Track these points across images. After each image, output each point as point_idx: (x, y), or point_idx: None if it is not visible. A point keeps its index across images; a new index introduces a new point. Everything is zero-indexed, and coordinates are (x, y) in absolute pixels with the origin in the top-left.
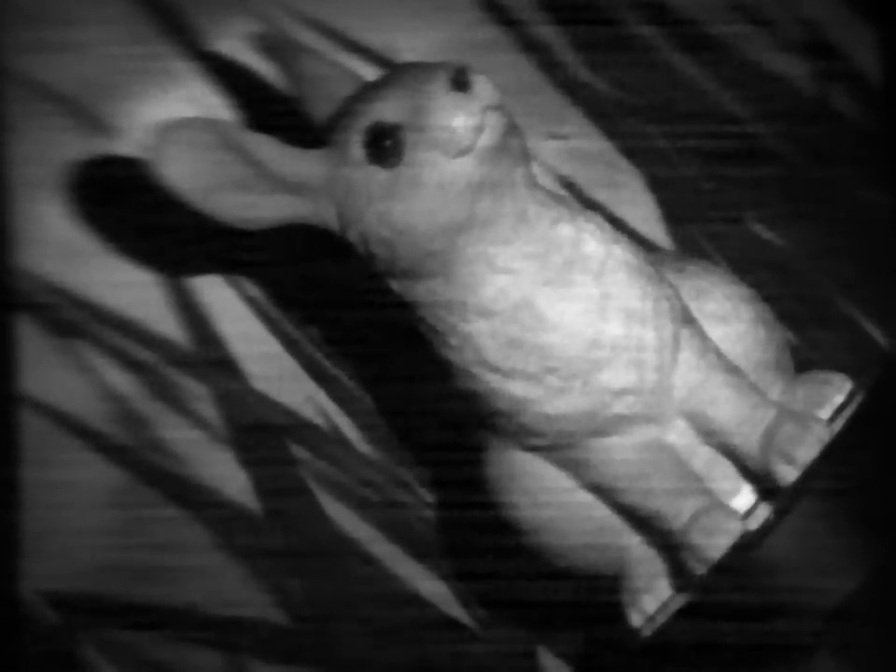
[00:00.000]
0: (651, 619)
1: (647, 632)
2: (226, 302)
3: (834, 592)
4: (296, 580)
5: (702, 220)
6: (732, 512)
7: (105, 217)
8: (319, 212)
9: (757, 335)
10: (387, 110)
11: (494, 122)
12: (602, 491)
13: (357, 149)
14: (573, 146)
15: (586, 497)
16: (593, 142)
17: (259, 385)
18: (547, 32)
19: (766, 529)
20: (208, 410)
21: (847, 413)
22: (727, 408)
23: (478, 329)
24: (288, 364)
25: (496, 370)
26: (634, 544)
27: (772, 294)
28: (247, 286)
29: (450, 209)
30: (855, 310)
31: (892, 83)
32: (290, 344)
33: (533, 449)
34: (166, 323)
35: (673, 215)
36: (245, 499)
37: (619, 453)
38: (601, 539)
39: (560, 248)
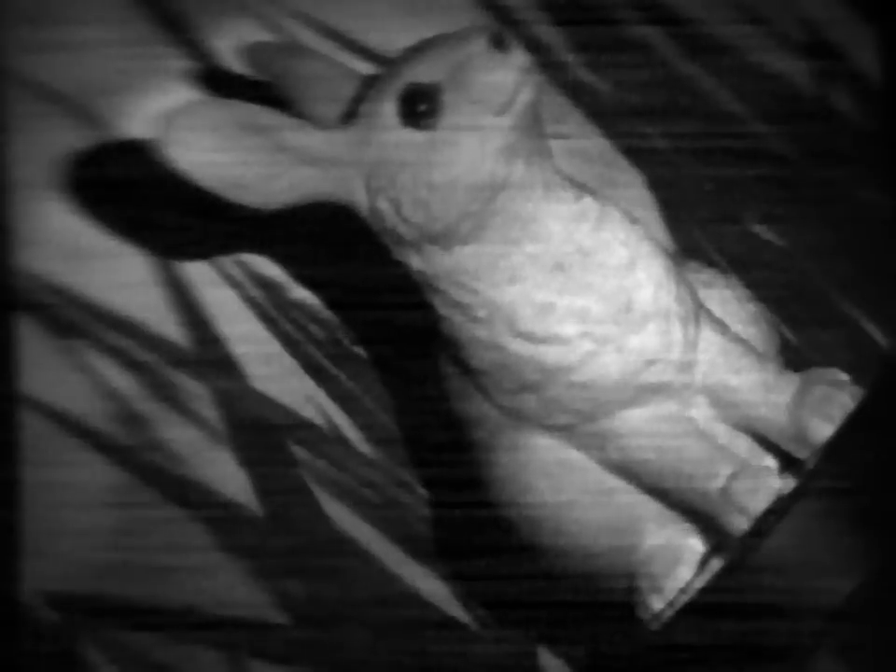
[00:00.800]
0: (670, 604)
1: (665, 617)
2: (226, 302)
3: (834, 592)
4: (296, 580)
5: (702, 220)
6: (769, 469)
7: (105, 216)
8: (342, 186)
9: (753, 336)
10: (424, 72)
11: (530, 82)
12: (627, 470)
13: (390, 114)
14: (573, 146)
15: (608, 483)
16: (593, 142)
17: (259, 384)
18: (547, 32)
19: (766, 529)
20: (208, 410)
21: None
22: (752, 376)
23: (510, 294)
24: (288, 364)
25: (529, 336)
26: (654, 531)
27: (772, 294)
28: (248, 285)
29: (489, 167)
30: (855, 310)
31: (892, 83)
32: (290, 344)
33: (557, 429)
34: (166, 323)
35: (673, 215)
36: (245, 499)
37: (646, 424)
38: (621, 529)
39: (587, 216)
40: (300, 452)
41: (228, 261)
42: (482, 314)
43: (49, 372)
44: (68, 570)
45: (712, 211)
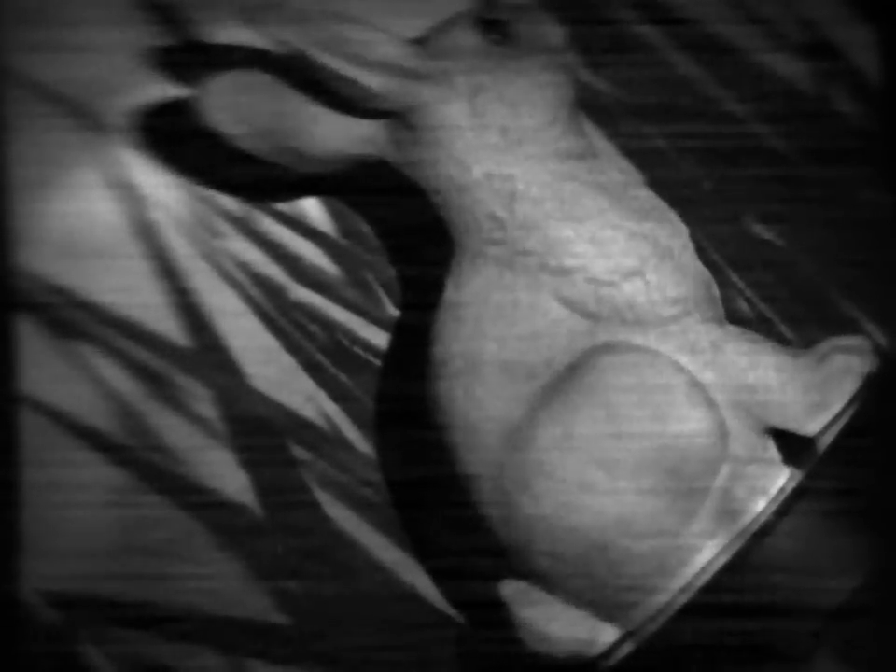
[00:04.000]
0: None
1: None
2: (226, 302)
3: (834, 592)
4: (296, 580)
5: (702, 220)
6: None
7: (105, 216)
8: (387, 134)
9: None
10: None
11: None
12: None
13: (463, 37)
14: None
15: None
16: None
17: (259, 384)
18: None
19: (766, 529)
20: (208, 410)
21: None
22: (767, 358)
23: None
24: (288, 364)
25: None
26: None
27: (772, 294)
28: (247, 285)
29: (562, 90)
30: (855, 310)
31: (892, 83)
32: (290, 344)
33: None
34: (166, 323)
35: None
36: (245, 499)
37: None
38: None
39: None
40: (300, 452)
41: (228, 261)
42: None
43: (49, 372)
44: (68, 570)
45: (712, 211)
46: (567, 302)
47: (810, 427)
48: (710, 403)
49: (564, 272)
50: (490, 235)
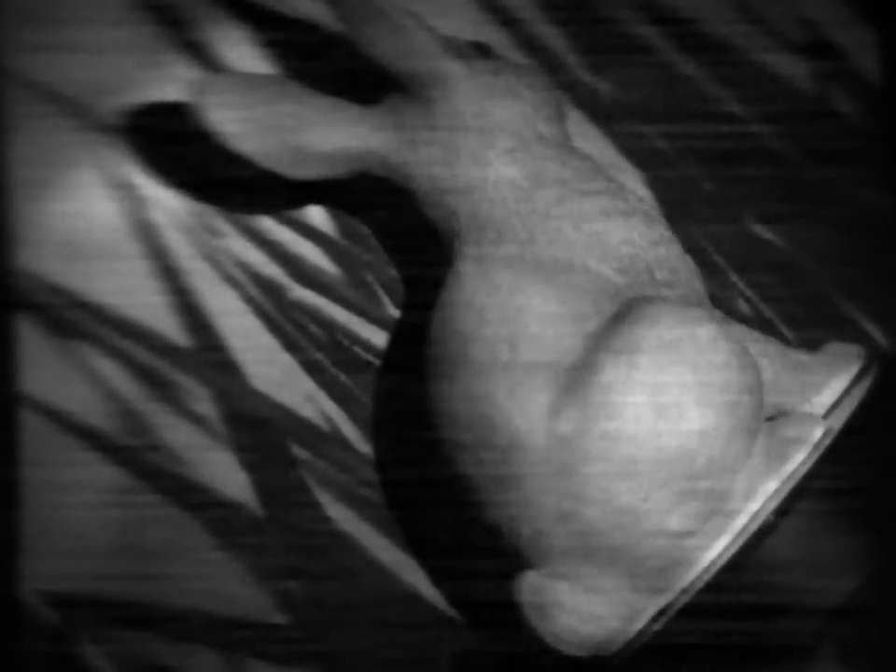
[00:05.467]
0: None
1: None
2: (226, 302)
3: (834, 592)
4: (296, 580)
5: (702, 220)
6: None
7: (104, 216)
8: (386, 134)
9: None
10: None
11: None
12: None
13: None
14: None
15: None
16: (593, 142)
17: (259, 384)
18: (547, 32)
19: (766, 529)
20: (208, 410)
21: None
22: (761, 346)
23: None
24: (288, 364)
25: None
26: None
27: (772, 294)
28: (248, 285)
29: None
30: (855, 310)
31: (892, 83)
32: (290, 344)
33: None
34: (166, 323)
35: (673, 215)
36: (245, 499)
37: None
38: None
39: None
40: (300, 452)
41: (228, 261)
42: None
43: (48, 372)
44: (68, 570)
45: (712, 211)
46: (570, 300)
47: (815, 407)
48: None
49: (566, 269)
50: (491, 235)
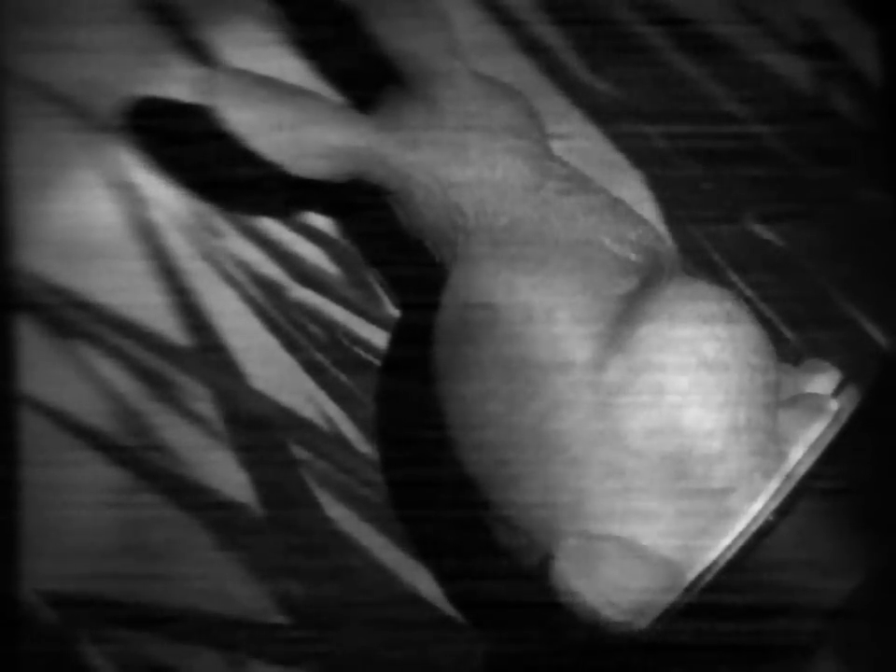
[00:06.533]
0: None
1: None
2: (226, 302)
3: (834, 592)
4: (296, 580)
5: (702, 220)
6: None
7: (104, 216)
8: (385, 135)
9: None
10: None
11: None
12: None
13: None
14: (573, 146)
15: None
16: (593, 142)
17: (259, 384)
18: (547, 32)
19: (766, 529)
20: (208, 410)
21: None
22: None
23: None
24: (288, 364)
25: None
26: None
27: (772, 294)
28: (248, 285)
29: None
30: (855, 310)
31: (892, 83)
32: (290, 344)
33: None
34: (166, 323)
35: (673, 215)
36: (245, 499)
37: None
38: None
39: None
40: (300, 452)
41: (228, 261)
42: None
43: (49, 372)
44: (68, 570)
45: (712, 211)
46: (594, 271)
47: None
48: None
49: (585, 245)
50: (489, 235)
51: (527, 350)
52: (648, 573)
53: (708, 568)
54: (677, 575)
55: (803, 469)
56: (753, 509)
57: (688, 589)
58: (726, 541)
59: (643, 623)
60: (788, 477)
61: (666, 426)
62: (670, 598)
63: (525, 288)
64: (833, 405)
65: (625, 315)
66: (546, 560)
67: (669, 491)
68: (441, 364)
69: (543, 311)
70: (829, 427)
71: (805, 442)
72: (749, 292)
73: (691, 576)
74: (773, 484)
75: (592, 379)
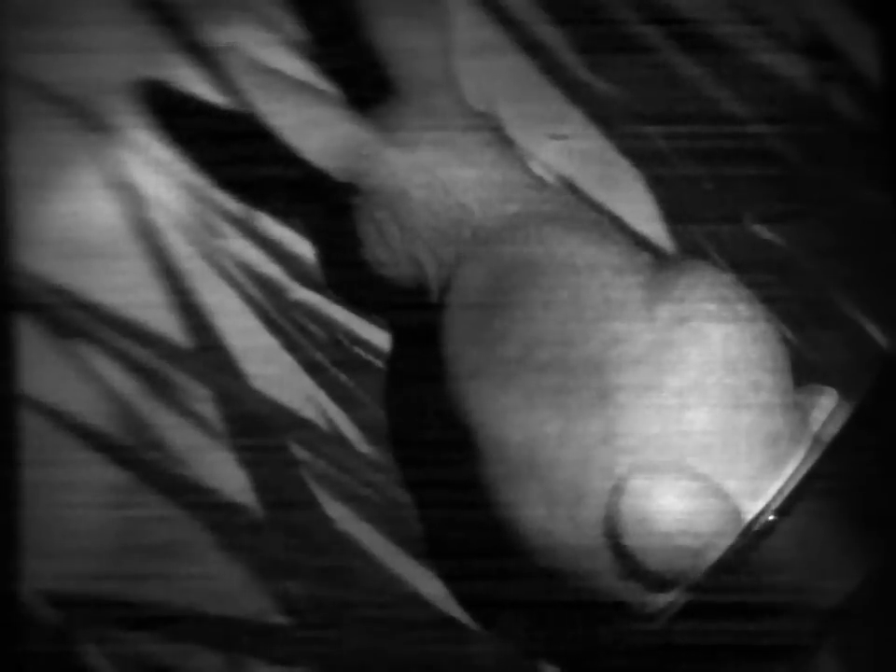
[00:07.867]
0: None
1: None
2: (226, 302)
3: (834, 592)
4: (296, 580)
5: (702, 220)
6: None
7: (104, 216)
8: (382, 136)
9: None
10: None
11: None
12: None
13: None
14: (573, 146)
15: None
16: (593, 142)
17: (259, 384)
18: (547, 32)
19: (766, 529)
20: (208, 410)
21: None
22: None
23: None
24: (288, 364)
25: None
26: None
27: (772, 294)
28: (248, 285)
29: None
30: (855, 310)
31: (892, 83)
32: (290, 344)
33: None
34: (166, 323)
35: (673, 215)
36: (245, 499)
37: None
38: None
39: None
40: (300, 452)
41: (228, 261)
42: None
43: (49, 372)
44: (68, 570)
45: (712, 211)
46: (620, 242)
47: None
48: None
49: (602, 222)
50: (501, 221)
51: (577, 295)
52: (711, 507)
53: (709, 568)
54: (734, 515)
55: (804, 470)
56: (756, 509)
57: (743, 534)
58: (728, 542)
59: (695, 573)
60: (789, 477)
61: (724, 360)
62: (725, 543)
63: (563, 247)
64: (833, 403)
65: (664, 270)
66: (611, 507)
67: (729, 428)
68: (459, 360)
69: (586, 265)
70: (829, 426)
71: (806, 441)
72: (749, 292)
73: (746, 518)
74: (776, 484)
75: (646, 315)
